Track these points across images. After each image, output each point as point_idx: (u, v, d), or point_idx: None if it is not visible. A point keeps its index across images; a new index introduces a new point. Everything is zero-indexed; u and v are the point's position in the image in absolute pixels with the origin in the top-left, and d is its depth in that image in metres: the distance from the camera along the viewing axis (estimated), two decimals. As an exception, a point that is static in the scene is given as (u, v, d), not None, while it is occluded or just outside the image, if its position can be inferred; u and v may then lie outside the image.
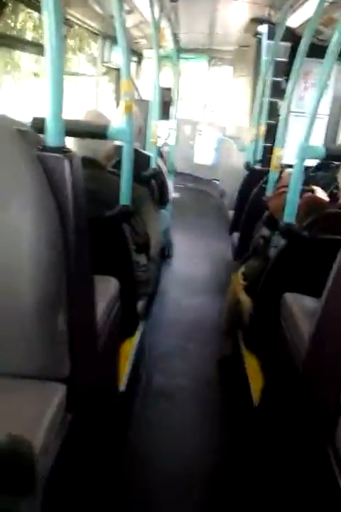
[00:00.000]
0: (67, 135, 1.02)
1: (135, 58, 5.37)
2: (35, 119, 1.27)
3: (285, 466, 1.34)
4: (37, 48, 2.49)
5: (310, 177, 2.35)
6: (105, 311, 1.33)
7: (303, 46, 2.02)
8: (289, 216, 1.68)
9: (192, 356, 2.53)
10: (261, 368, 1.87)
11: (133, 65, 5.39)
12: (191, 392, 2.23)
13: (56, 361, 0.98)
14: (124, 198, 1.69)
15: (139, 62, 5.61)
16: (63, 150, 0.97)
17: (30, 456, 0.74)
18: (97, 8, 2.71)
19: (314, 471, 1.09)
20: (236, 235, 3.21)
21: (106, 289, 1.41)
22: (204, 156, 6.88)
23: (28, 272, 0.90)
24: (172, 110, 4.94)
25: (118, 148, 1.75)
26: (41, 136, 0.99)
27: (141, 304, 2.05)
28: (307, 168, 1.89)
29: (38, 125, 1.04)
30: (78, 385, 1.03)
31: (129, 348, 1.93)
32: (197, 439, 1.92)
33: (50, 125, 0.98)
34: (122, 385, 1.73)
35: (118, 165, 1.77)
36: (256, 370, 1.88)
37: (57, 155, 0.94)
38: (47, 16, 0.94)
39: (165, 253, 3.81)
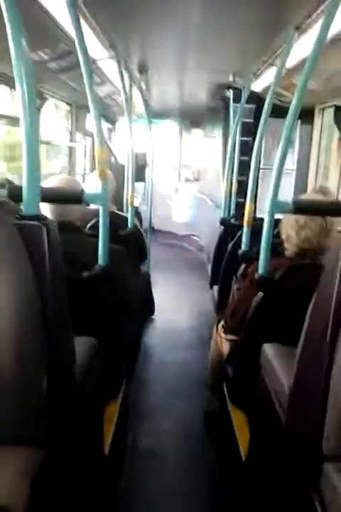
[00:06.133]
0: (43, 201, 1.06)
1: (109, 125, 5.57)
2: (10, 189, 1.30)
3: None
4: (13, 120, 2.59)
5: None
6: (83, 372, 1.30)
7: (267, 108, 2.18)
8: (263, 268, 1.72)
9: (178, 413, 2.48)
10: (247, 422, 1.84)
11: (107, 131, 5.58)
12: (178, 450, 2.18)
13: (34, 426, 0.95)
14: (102, 258, 1.72)
15: (113, 129, 5.81)
16: (40, 217, 1.00)
17: None
18: (70, 82, 2.83)
19: None
20: (216, 289, 3.24)
21: (84, 348, 1.40)
22: (181, 213, 7.05)
23: (6, 337, 0.90)
24: (147, 172, 5.11)
25: (96, 210, 1.80)
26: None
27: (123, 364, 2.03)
28: (279, 221, 1.95)
29: (14, 194, 1.07)
30: (57, 450, 1.00)
31: (113, 409, 1.89)
32: (188, 499, 1.86)
33: (26, 194, 1.02)
34: (106, 449, 1.68)
35: (96, 226, 1.81)
36: (243, 423, 1.85)
37: (34, 223, 0.97)
38: (21, 91, 1.00)
39: (146, 310, 3.81)
